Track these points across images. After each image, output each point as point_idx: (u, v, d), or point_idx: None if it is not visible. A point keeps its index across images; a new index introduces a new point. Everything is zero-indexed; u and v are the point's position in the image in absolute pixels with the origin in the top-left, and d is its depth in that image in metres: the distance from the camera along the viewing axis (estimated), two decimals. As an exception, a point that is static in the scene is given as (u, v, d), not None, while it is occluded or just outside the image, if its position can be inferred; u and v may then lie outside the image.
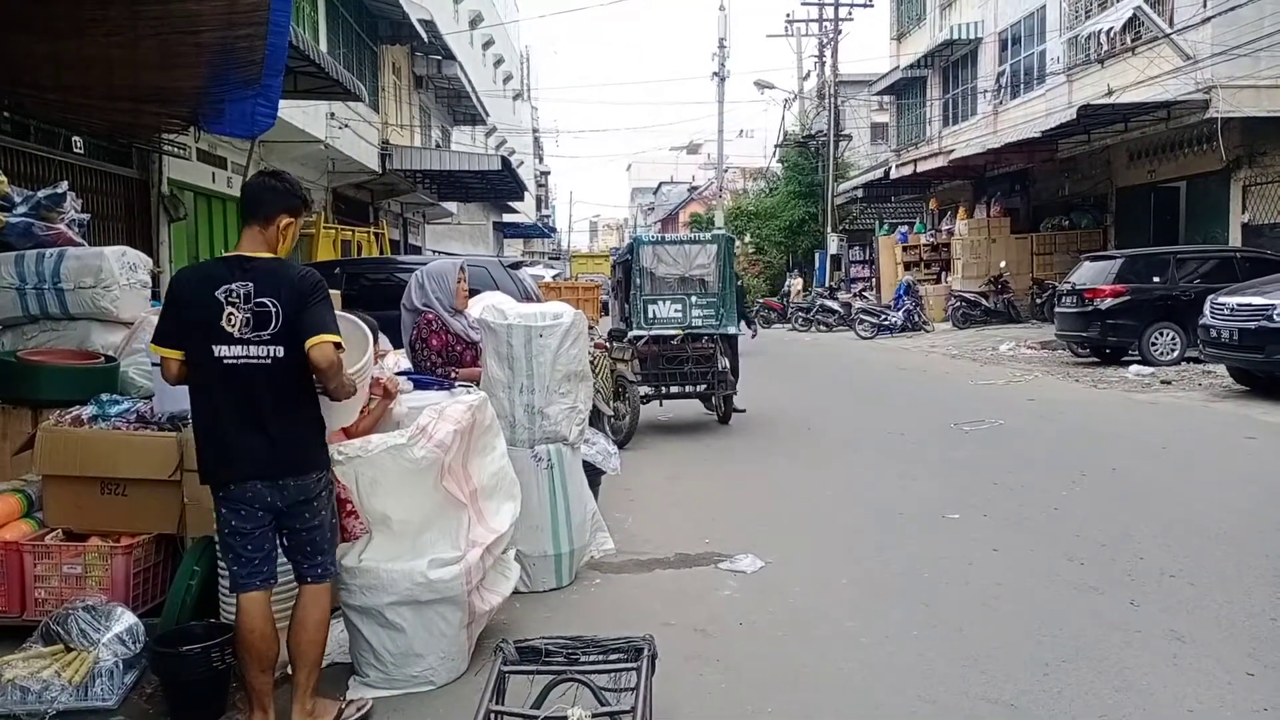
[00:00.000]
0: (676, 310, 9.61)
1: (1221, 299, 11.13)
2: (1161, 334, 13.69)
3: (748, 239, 36.72)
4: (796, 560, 5.32)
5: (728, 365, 9.80)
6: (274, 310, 3.22)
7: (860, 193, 30.54)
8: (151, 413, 4.53)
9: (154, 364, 4.54)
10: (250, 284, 3.23)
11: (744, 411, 10.07)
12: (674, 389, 9.83)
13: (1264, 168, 16.04)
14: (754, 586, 4.92)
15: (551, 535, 4.91)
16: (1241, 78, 15.17)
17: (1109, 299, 13.83)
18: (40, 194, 6.05)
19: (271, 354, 3.23)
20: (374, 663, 3.76)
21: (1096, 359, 14.99)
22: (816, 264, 33.16)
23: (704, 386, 9.88)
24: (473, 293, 5.71)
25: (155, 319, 5.41)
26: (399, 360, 5.44)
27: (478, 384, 4.94)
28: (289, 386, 3.29)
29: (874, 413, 10.92)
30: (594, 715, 2.68)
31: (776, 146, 38.34)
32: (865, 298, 26.74)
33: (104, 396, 4.67)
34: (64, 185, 6.28)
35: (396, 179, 21.29)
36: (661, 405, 10.17)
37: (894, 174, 26.60)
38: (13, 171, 8.84)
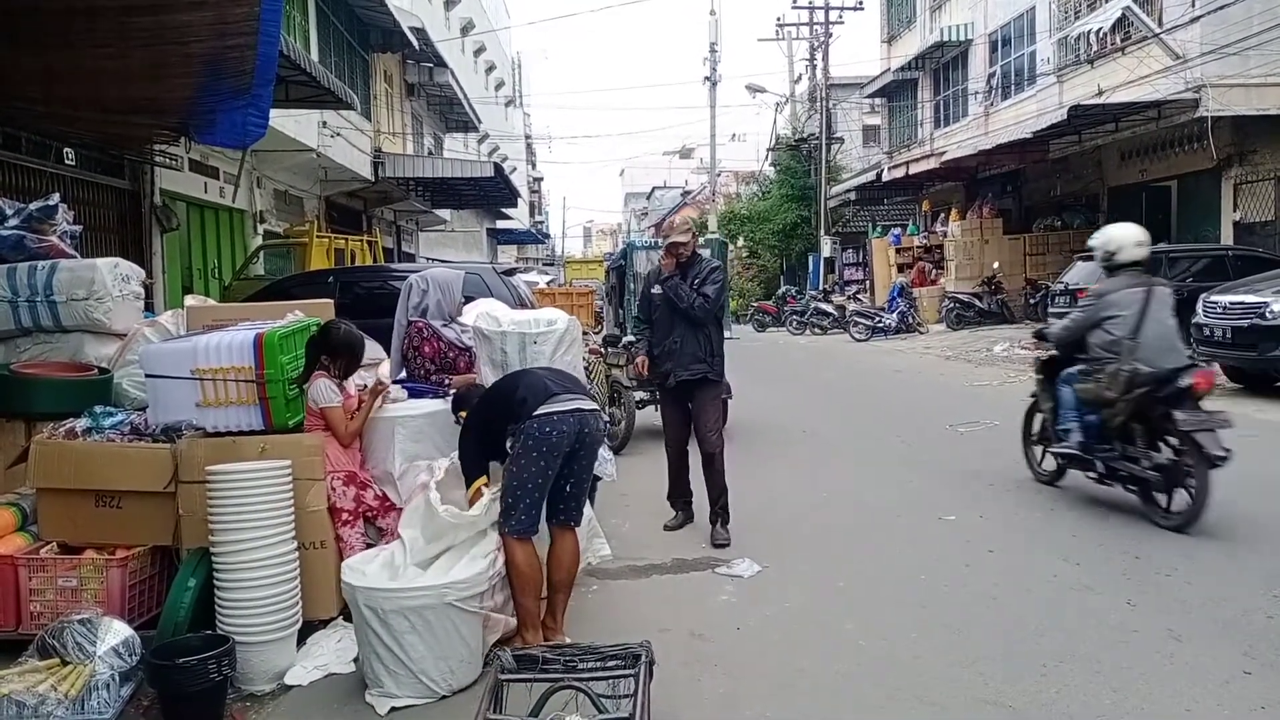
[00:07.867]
0: (671, 315, 9.56)
1: (1214, 297, 11.14)
2: (1155, 333, 13.65)
3: (741, 243, 36.74)
4: (793, 564, 5.32)
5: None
6: None
7: (853, 195, 30.57)
8: (146, 424, 4.53)
9: (148, 375, 4.55)
10: None
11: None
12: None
13: (1254, 166, 16.10)
14: (751, 591, 4.92)
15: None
16: (1231, 76, 15.23)
17: (1102, 298, 13.80)
18: (32, 206, 6.04)
19: None
20: (396, 670, 3.70)
21: (1090, 358, 14.97)
22: (810, 267, 33.19)
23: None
24: (467, 300, 5.71)
25: (148, 330, 5.44)
26: (388, 368, 5.44)
27: (472, 390, 4.93)
28: None
29: (869, 415, 10.93)
30: (592, 722, 2.68)
31: (769, 150, 38.38)
32: (859, 300, 26.76)
33: (98, 409, 4.67)
34: (56, 197, 6.26)
35: (389, 187, 21.29)
36: (657, 410, 10.14)
37: (886, 176, 26.62)
38: (4, 184, 8.85)
